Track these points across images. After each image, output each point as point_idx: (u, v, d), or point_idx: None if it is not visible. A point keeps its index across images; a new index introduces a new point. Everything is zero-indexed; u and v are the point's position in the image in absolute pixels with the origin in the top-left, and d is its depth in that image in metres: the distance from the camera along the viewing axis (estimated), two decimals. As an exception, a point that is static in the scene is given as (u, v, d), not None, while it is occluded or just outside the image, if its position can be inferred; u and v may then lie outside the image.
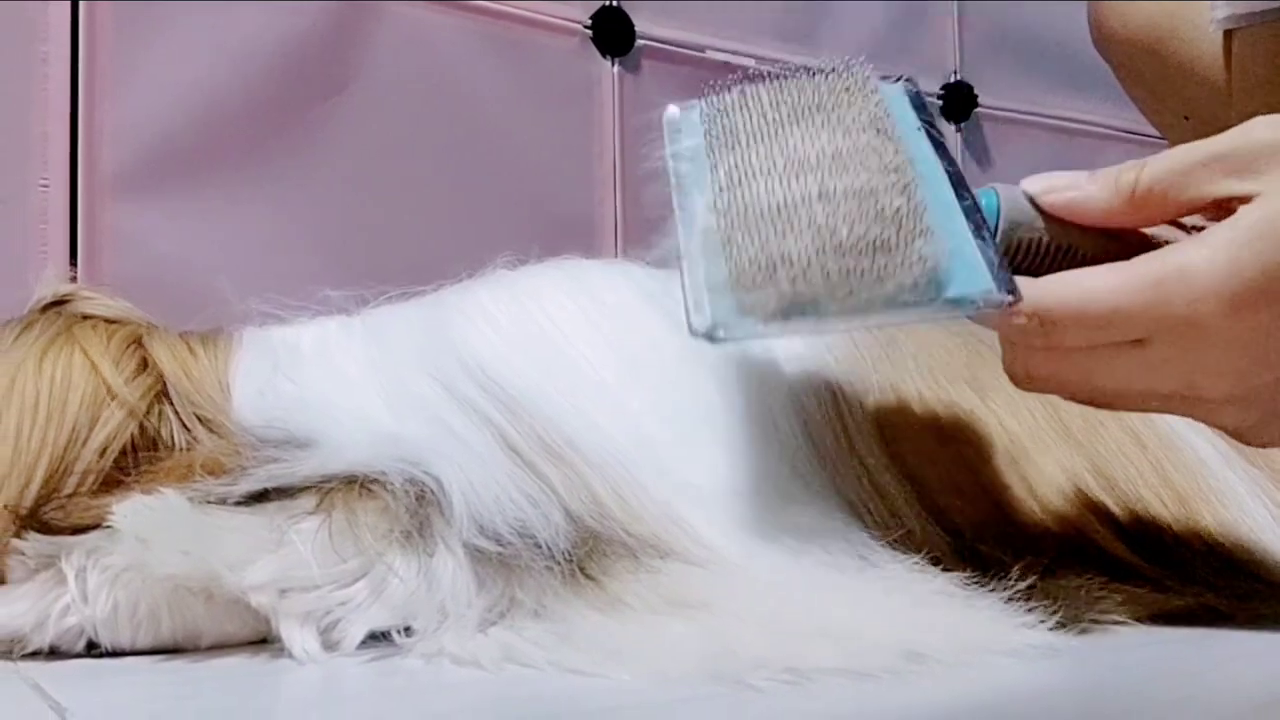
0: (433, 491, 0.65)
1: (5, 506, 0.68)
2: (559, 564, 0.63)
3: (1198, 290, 0.56)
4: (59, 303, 0.79)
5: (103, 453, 0.71)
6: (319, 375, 0.76)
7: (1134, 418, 0.78)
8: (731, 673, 0.53)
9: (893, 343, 0.80)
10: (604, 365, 0.75)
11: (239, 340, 0.79)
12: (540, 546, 0.63)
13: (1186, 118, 1.25)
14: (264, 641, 0.64)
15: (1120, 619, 0.67)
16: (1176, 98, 1.27)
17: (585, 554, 0.64)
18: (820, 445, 0.75)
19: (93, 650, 0.62)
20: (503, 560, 0.62)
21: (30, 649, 0.62)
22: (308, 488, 0.66)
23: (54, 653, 0.62)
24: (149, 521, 0.63)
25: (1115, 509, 0.74)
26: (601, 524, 0.66)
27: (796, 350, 0.78)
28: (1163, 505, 0.75)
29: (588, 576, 0.63)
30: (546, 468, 0.68)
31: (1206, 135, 0.60)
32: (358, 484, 0.66)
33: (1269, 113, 0.59)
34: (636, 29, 1.71)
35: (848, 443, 0.75)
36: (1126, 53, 1.31)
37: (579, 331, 0.76)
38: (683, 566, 0.64)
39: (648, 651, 0.56)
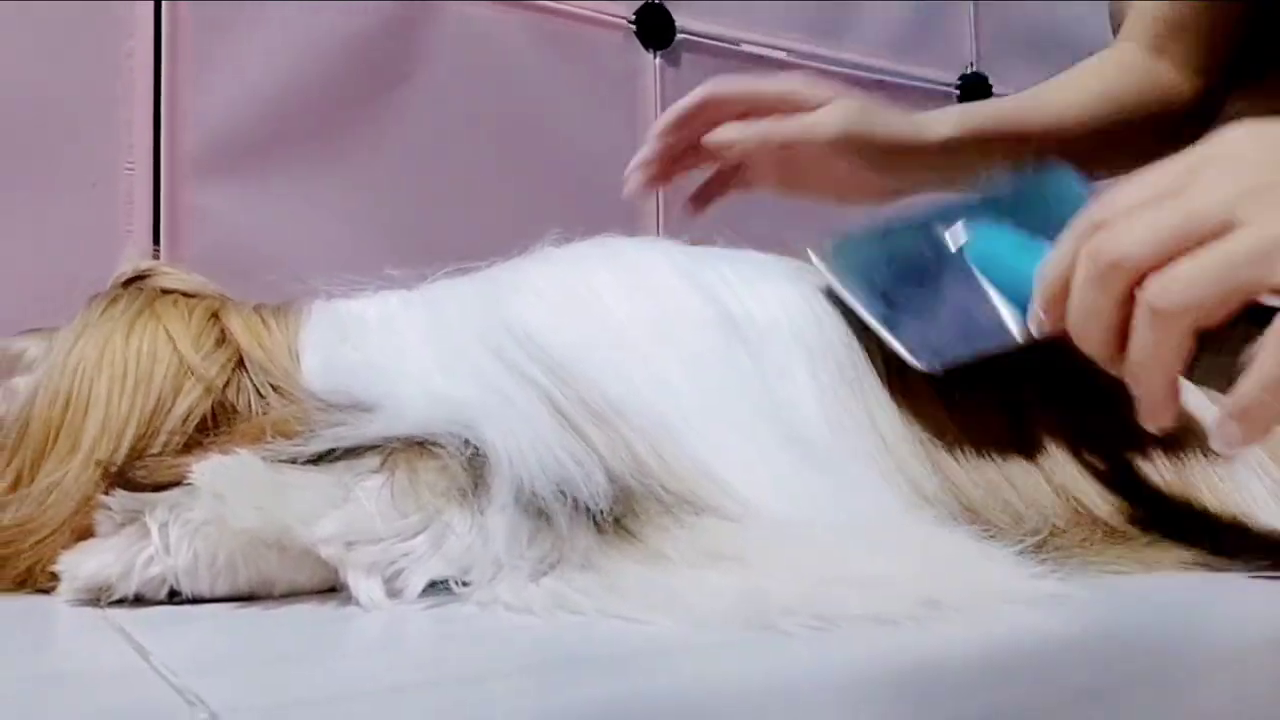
0: (485, 452, 0.65)
1: (97, 462, 0.69)
2: (600, 521, 0.63)
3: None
4: (139, 278, 0.79)
5: (185, 419, 0.71)
6: (382, 345, 0.76)
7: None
8: (763, 619, 0.53)
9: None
10: (643, 334, 0.74)
11: (308, 313, 0.79)
12: (582, 504, 0.63)
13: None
14: (332, 590, 0.64)
15: (1124, 569, 0.66)
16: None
17: (625, 511, 0.64)
18: (842, 415, 0.74)
19: (174, 598, 0.63)
20: (548, 517, 0.62)
21: (116, 597, 0.62)
22: (372, 448, 0.66)
23: (138, 600, 0.62)
24: (226, 479, 0.63)
25: (1117, 476, 0.74)
26: (641, 483, 0.65)
27: (819, 322, 0.77)
28: (1160, 476, 0.74)
29: (628, 532, 0.62)
30: (590, 429, 0.68)
31: None
32: (418, 445, 0.66)
33: None
34: (677, 24, 1.71)
35: (867, 415, 0.74)
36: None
37: (620, 303, 0.76)
38: (717, 521, 0.64)
39: (686, 600, 0.56)
